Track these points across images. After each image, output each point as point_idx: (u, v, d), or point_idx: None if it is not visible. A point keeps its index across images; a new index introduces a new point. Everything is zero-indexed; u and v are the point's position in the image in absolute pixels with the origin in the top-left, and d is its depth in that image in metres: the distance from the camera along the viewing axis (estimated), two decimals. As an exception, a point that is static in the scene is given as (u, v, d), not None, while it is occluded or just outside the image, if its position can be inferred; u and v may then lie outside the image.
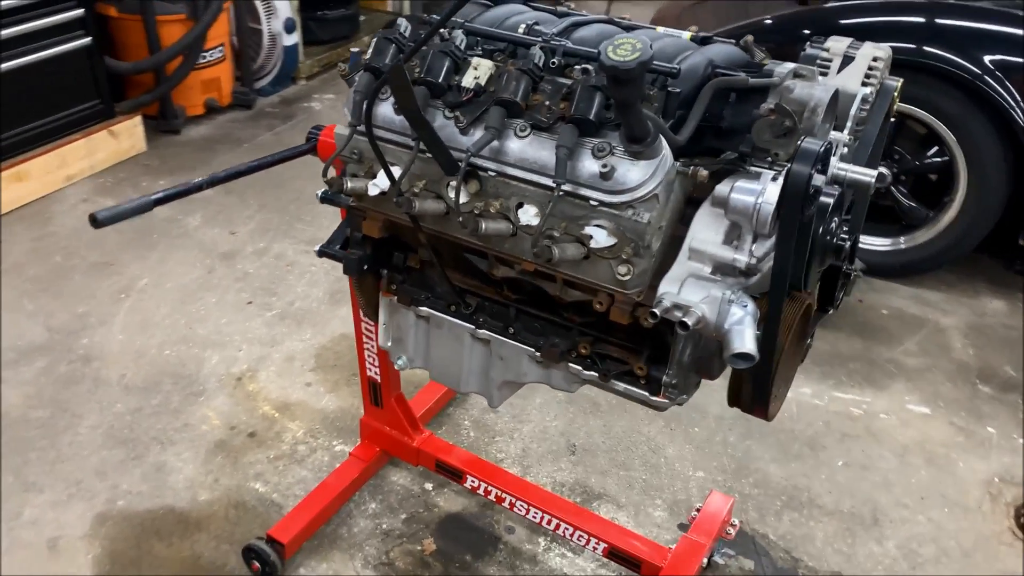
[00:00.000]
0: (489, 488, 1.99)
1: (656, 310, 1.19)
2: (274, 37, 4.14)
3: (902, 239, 3.11)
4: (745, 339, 1.17)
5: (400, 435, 2.07)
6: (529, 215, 1.27)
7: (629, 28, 1.49)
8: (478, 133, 1.26)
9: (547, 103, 1.22)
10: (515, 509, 1.97)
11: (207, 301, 2.87)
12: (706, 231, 1.23)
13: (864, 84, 1.46)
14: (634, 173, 1.17)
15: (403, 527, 2.09)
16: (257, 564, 1.91)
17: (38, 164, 3.32)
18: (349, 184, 1.38)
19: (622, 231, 1.21)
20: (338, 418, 2.39)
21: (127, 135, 3.63)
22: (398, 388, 2.04)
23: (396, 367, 1.72)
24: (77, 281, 2.94)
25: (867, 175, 1.32)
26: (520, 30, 1.37)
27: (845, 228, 1.33)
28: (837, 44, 1.50)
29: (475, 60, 1.28)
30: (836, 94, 1.28)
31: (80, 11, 3.30)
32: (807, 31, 3.16)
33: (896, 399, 2.60)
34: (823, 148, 1.12)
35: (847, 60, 1.50)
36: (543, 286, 1.40)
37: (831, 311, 1.59)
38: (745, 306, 1.20)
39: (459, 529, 2.10)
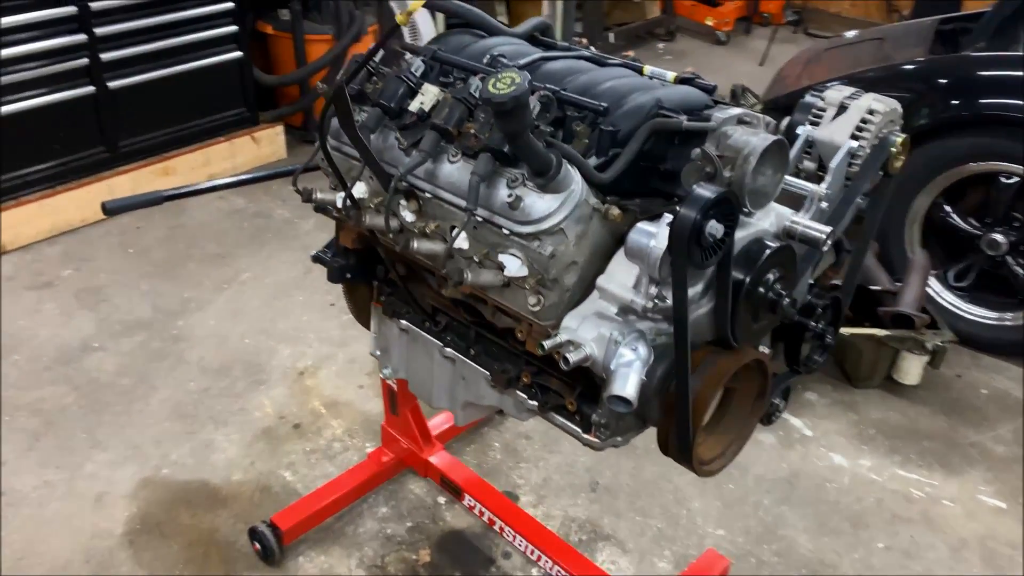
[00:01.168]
0: (483, 510, 2.02)
1: (546, 343, 1.19)
2: (417, 60, 4.36)
3: (1020, 315, 2.83)
4: (626, 383, 1.15)
5: (411, 445, 2.14)
6: (461, 238, 1.31)
7: (602, 64, 1.50)
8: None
9: (473, 132, 1.25)
10: (504, 535, 1.98)
11: (295, 299, 3.08)
12: (620, 271, 1.22)
13: (855, 137, 1.39)
14: (540, 205, 1.18)
15: (406, 535, 2.15)
16: (257, 545, 2.04)
17: (184, 161, 3.69)
18: (318, 195, 1.48)
19: (531, 262, 1.22)
20: (377, 422, 2.49)
21: (268, 142, 3.95)
22: (414, 400, 2.11)
23: (381, 375, 1.79)
24: (191, 269, 3.24)
25: (819, 231, 1.26)
26: (484, 60, 1.41)
27: (782, 283, 1.26)
28: (834, 94, 1.44)
29: (425, 86, 1.33)
30: (780, 144, 1.22)
31: (234, 28, 3.64)
32: (943, 80, 2.96)
33: (968, 487, 2.37)
34: (717, 196, 1.08)
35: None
36: (481, 310, 1.42)
37: (801, 372, 1.50)
38: (635, 349, 1.17)
39: (458, 546, 2.13)
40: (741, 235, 1.24)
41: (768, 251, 1.22)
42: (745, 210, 1.25)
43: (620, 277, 1.21)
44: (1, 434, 2.41)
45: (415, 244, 1.31)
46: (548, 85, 1.30)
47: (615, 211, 1.19)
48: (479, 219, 1.24)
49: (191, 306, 3.01)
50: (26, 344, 2.79)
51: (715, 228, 1.10)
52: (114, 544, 2.10)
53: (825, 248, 1.28)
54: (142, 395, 2.59)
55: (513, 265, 1.24)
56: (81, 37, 3.19)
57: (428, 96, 1.31)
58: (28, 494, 2.23)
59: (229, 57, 3.67)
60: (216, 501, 2.23)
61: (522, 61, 1.41)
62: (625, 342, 1.17)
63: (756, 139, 1.20)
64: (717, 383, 1.30)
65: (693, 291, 1.23)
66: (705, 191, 1.09)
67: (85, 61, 3.22)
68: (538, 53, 1.44)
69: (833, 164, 1.39)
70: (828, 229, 1.26)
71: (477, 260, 1.28)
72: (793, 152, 1.43)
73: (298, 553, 2.08)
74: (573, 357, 1.16)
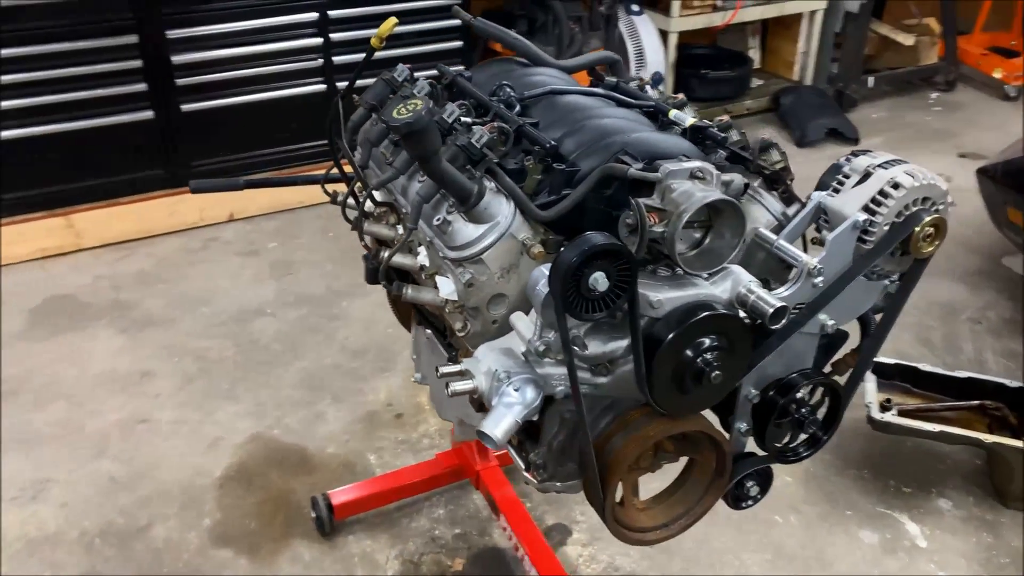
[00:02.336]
0: (511, 534, 2.02)
1: (441, 368, 1.20)
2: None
3: None
4: (497, 422, 1.13)
5: (468, 454, 2.19)
6: (423, 254, 1.35)
7: (622, 104, 1.46)
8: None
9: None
10: (523, 563, 1.97)
11: (448, 300, 3.24)
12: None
13: (868, 211, 1.24)
14: (464, 232, 1.20)
15: (450, 540, 2.20)
16: (314, 515, 2.20)
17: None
18: (340, 196, 1.59)
19: (459, 287, 1.23)
20: (470, 429, 2.57)
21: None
22: (478, 411, 2.16)
23: (413, 380, 1.86)
24: (372, 257, 3.52)
25: (769, 305, 1.15)
26: (490, 90, 1.44)
27: (719, 354, 1.16)
28: (864, 160, 1.30)
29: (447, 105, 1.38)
30: (729, 204, 1.13)
31: (459, 43, 3.89)
32: None
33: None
34: (598, 246, 1.03)
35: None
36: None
37: (780, 461, 1.35)
38: (519, 390, 1.14)
39: (493, 562, 2.15)
40: (682, 294, 1.17)
41: (698, 316, 1.14)
42: (703, 273, 1.18)
43: (532, 316, 1.19)
44: (161, 371, 2.81)
45: (384, 254, 1.37)
46: (524, 119, 1.30)
47: (536, 249, 1.18)
48: (428, 239, 1.28)
49: (357, 291, 3.27)
50: (216, 300, 3.20)
51: (598, 280, 1.05)
52: (207, 484, 2.37)
53: (774, 325, 1.16)
54: (285, 361, 2.88)
55: (446, 288, 1.26)
56: (318, 40, 3.59)
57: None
58: (162, 426, 2.58)
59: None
60: (304, 467, 2.44)
61: (528, 93, 1.41)
62: (511, 382, 1.15)
63: (697, 196, 1.12)
64: (639, 445, 1.24)
65: (617, 344, 1.18)
66: (591, 239, 1.05)
67: (320, 62, 3.63)
68: (549, 87, 1.43)
69: (830, 236, 1.25)
70: (778, 304, 1.14)
71: (425, 277, 1.32)
72: (799, 218, 1.30)
73: (349, 531, 2.21)
74: (455, 386, 1.16)
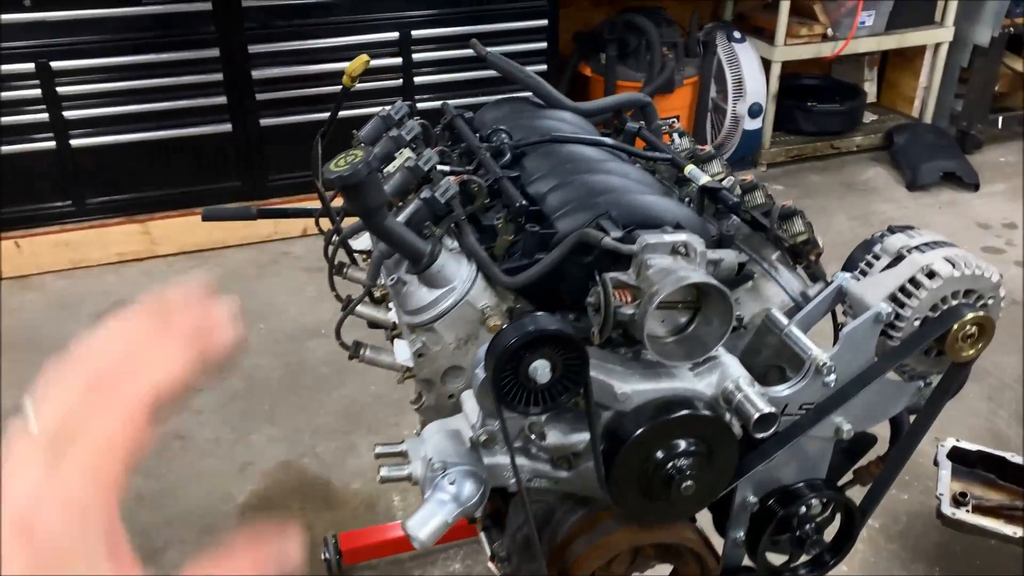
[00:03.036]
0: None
1: (377, 448, 1.07)
2: (737, 119, 4.14)
3: None
4: (421, 522, 0.99)
5: (485, 510, 2.06)
6: (393, 312, 1.24)
7: (635, 156, 1.30)
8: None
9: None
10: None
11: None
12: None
13: (895, 300, 1.05)
14: (418, 296, 1.07)
15: (461, 598, 2.08)
16: (324, 556, 2.12)
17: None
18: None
19: (412, 356, 1.11)
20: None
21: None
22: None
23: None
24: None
25: (755, 408, 0.97)
26: (485, 133, 1.31)
27: (694, 460, 0.99)
28: (898, 239, 1.11)
29: (403, 151, 1.27)
30: (715, 290, 0.96)
31: (544, 68, 3.78)
32: None
33: None
34: (540, 332, 0.88)
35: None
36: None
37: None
38: (454, 483, 1.00)
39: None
40: (655, 387, 1.01)
41: (670, 415, 0.97)
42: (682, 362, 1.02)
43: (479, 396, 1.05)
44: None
45: (361, 308, 1.27)
46: (507, 171, 1.17)
47: (493, 321, 1.04)
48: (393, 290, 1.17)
49: (414, 317, 3.20)
50: (274, 317, 3.19)
51: (538, 369, 0.90)
52: (229, 511, 2.32)
53: (759, 433, 0.98)
54: (330, 387, 2.82)
55: (402, 353, 1.14)
56: (398, 60, 3.55)
57: (399, 160, 1.26)
58: (199, 444, 2.56)
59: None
60: (326, 502, 2.36)
61: (524, 140, 1.28)
62: (447, 474, 1.01)
63: (674, 276, 0.96)
64: (601, 555, 1.08)
65: (580, 437, 1.03)
66: (534, 321, 0.90)
67: (400, 82, 3.59)
68: (549, 134, 1.29)
69: (846, 328, 1.06)
70: (766, 410, 0.96)
71: (388, 339, 1.20)
72: (816, 302, 1.12)
73: (359, 572, 2.12)
74: (385, 472, 1.03)
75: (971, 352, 1.05)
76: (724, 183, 1.31)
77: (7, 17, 3.03)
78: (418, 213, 1.09)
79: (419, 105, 3.53)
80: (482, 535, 1.28)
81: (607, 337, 1.00)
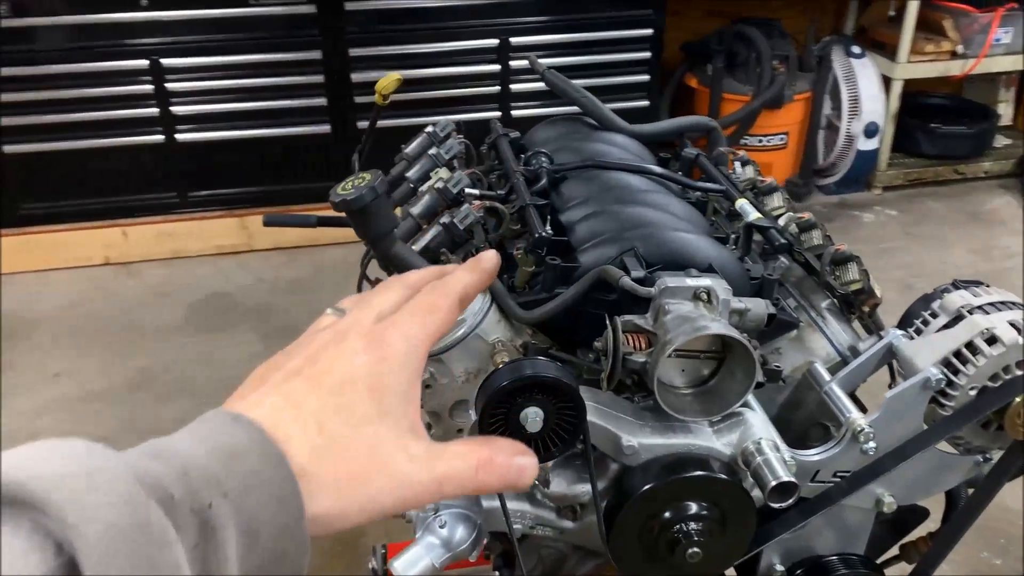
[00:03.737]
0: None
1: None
2: (851, 138, 3.91)
3: None
4: (409, 563, 0.95)
5: (534, 535, 2.00)
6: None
7: (683, 186, 1.22)
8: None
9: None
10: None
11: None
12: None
13: (949, 366, 0.94)
14: (427, 326, 1.02)
15: (505, 623, 2.02)
16: (371, 565, 2.10)
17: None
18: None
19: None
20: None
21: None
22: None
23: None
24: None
25: (773, 476, 0.89)
26: (526, 155, 1.25)
27: (695, 527, 0.90)
28: (957, 298, 0.99)
29: (439, 170, 1.23)
30: (737, 345, 0.88)
31: (647, 77, 3.68)
32: None
33: None
34: (538, 376, 0.82)
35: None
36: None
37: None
38: (443, 526, 0.96)
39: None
40: (665, 443, 0.94)
41: (676, 475, 0.90)
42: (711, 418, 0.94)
43: (485, 437, 0.99)
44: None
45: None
46: (536, 198, 1.11)
47: (501, 357, 0.98)
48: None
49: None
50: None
51: (528, 417, 0.84)
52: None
53: (775, 503, 0.89)
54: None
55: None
56: (496, 67, 3.53)
57: (432, 180, 1.22)
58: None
59: (639, 104, 3.71)
60: (383, 509, 2.35)
61: (567, 165, 1.21)
62: (439, 516, 0.96)
63: (689, 326, 0.88)
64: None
65: (585, 488, 0.97)
66: (528, 366, 0.85)
67: (497, 89, 3.57)
68: (591, 160, 1.22)
69: (891, 392, 0.95)
70: (785, 478, 0.87)
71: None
72: (862, 358, 1.01)
73: (405, 590, 2.10)
74: (378, 506, 0.99)
75: (1033, 431, 0.93)
76: (781, 220, 1.22)
77: (125, 16, 3.18)
78: (437, 238, 1.05)
79: (515, 113, 3.53)
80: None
81: (619, 383, 0.94)
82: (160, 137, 3.38)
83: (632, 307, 0.96)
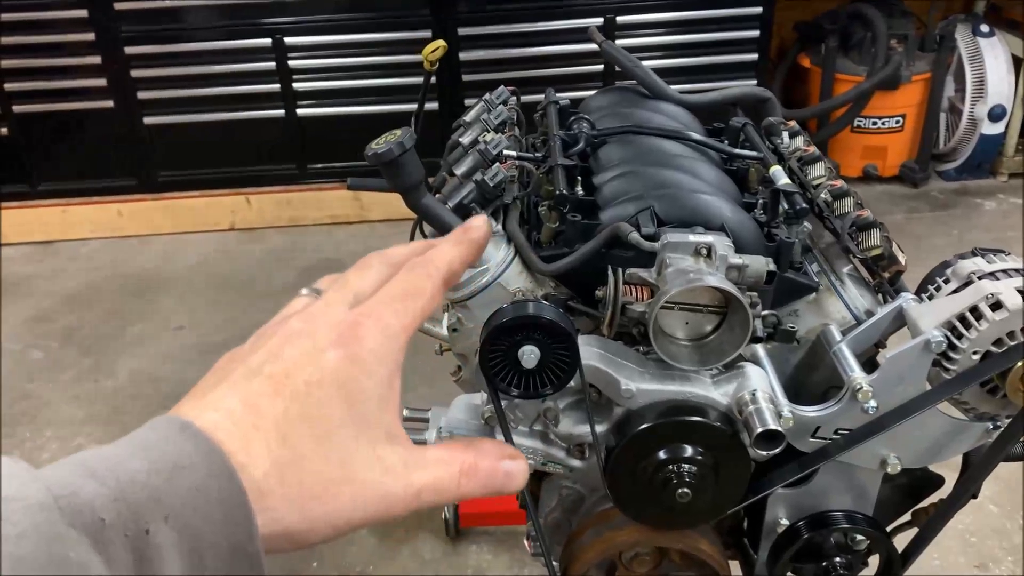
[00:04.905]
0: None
1: (406, 411, 1.12)
2: (974, 122, 3.73)
3: None
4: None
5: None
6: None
7: (722, 153, 1.25)
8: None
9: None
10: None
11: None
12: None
13: (952, 330, 0.96)
14: (456, 274, 1.11)
15: (567, 579, 2.10)
16: (444, 515, 2.23)
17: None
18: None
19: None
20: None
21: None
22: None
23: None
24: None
25: (762, 424, 0.93)
26: (569, 120, 1.30)
27: (687, 471, 0.95)
28: (969, 264, 1.01)
29: (488, 133, 1.30)
30: (728, 294, 0.92)
31: (755, 56, 3.63)
32: None
33: None
34: (532, 315, 0.89)
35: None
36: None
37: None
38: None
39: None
40: (662, 389, 0.99)
41: (666, 419, 0.95)
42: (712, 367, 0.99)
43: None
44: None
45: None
46: (564, 160, 1.17)
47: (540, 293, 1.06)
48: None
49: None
50: (455, 287, 3.34)
51: (526, 355, 0.92)
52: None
53: (761, 449, 0.93)
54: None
55: (443, 324, 1.19)
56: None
57: (476, 134, 1.29)
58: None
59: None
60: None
61: (605, 130, 1.27)
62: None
63: (685, 277, 0.93)
64: (602, 549, 1.08)
65: (588, 428, 1.04)
66: (527, 306, 0.92)
67: (601, 68, 3.61)
68: (630, 126, 1.27)
69: (891, 353, 0.97)
70: (772, 426, 0.91)
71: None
72: (872, 320, 1.03)
73: (475, 540, 2.21)
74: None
75: (1037, 398, 0.93)
76: (819, 188, 1.24)
77: (251, -3, 3.42)
78: (469, 195, 1.14)
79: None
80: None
81: (624, 333, 1.00)
82: (281, 112, 3.61)
83: (645, 264, 1.01)
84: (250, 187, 3.75)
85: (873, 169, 3.86)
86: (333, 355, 0.47)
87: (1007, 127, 3.76)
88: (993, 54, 3.66)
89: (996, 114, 3.69)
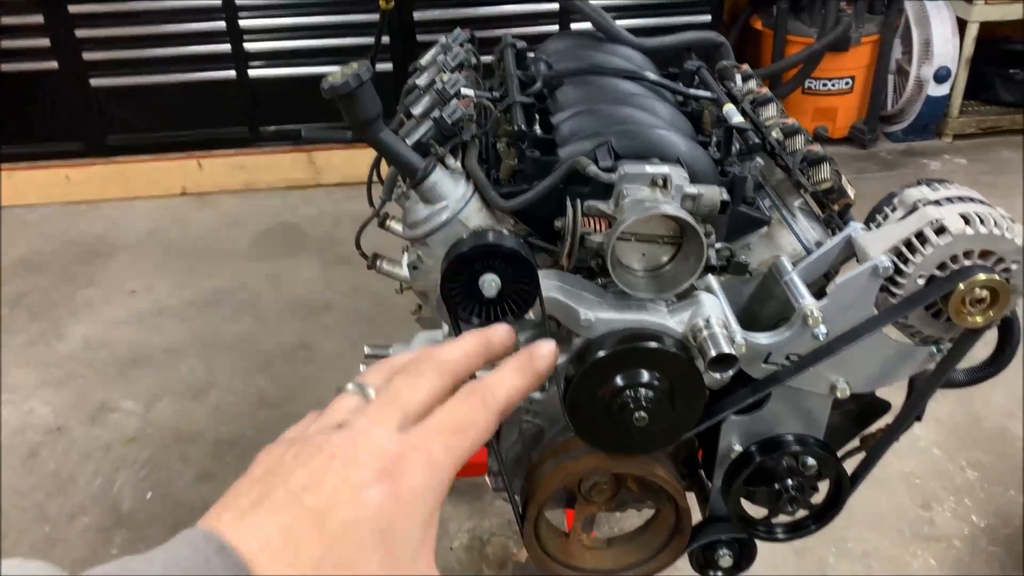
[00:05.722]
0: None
1: (367, 348, 1.14)
2: (921, 83, 3.81)
3: None
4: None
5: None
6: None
7: (677, 94, 1.27)
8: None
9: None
10: None
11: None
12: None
13: (899, 255, 0.99)
14: (415, 211, 1.12)
15: (527, 529, 2.14)
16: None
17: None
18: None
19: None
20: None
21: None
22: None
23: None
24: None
25: (715, 346, 0.96)
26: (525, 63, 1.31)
27: (643, 395, 0.98)
28: (916, 192, 1.04)
29: (442, 75, 1.31)
30: (683, 222, 0.94)
31: (708, 18, 3.65)
32: None
33: None
34: (493, 244, 0.91)
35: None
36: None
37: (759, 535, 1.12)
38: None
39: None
40: (620, 318, 1.01)
41: (624, 346, 0.97)
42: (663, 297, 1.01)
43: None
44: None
45: (390, 223, 1.34)
46: (521, 98, 1.18)
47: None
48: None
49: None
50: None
51: (487, 283, 0.93)
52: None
53: (715, 372, 0.96)
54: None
55: (404, 264, 1.20)
56: (554, 6, 3.56)
57: (430, 74, 1.29)
58: (321, 356, 2.76)
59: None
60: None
61: (563, 70, 1.28)
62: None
63: (640, 207, 0.95)
64: (562, 477, 1.10)
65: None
66: (488, 236, 0.93)
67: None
68: (587, 66, 1.29)
69: (839, 279, 1.00)
70: (727, 350, 0.94)
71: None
72: (822, 251, 1.06)
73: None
74: (364, 368, 1.10)
75: (979, 319, 0.97)
76: (770, 127, 1.27)
77: (201, -46, 3.34)
78: (427, 133, 1.14)
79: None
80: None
81: (583, 268, 1.02)
82: (232, 73, 3.55)
83: (605, 198, 1.03)
84: (202, 151, 3.69)
85: (823, 131, 3.92)
86: (376, 493, 0.45)
87: (952, 89, 3.85)
88: (939, 17, 3.73)
89: (941, 76, 3.77)
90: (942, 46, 3.73)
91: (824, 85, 3.79)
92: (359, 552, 0.44)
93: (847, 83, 3.81)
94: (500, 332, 0.59)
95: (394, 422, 0.49)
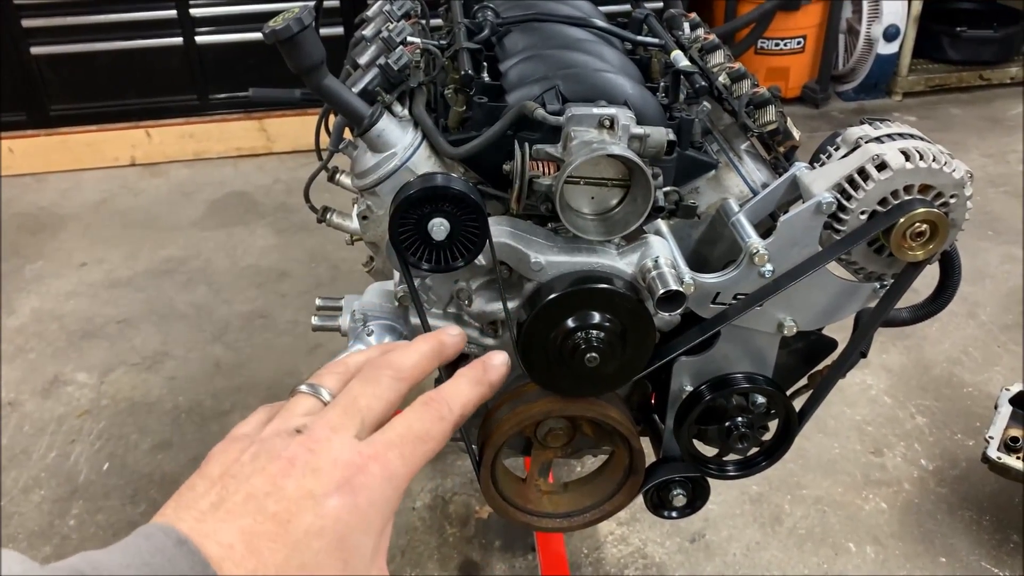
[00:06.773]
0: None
1: (319, 301, 1.13)
2: (870, 42, 3.85)
3: None
4: (339, 365, 1.04)
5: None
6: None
7: (625, 40, 1.27)
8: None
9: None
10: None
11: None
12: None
13: (842, 192, 1.00)
14: (363, 160, 1.11)
15: (489, 486, 2.15)
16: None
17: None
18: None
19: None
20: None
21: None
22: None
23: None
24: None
25: (663, 284, 0.96)
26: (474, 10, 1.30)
27: (595, 336, 0.99)
28: (858, 130, 1.05)
29: (391, 23, 1.29)
30: (632, 165, 0.95)
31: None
32: None
33: None
34: (441, 186, 0.90)
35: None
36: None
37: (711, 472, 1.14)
38: (371, 334, 1.05)
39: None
40: (570, 260, 1.02)
41: (577, 286, 0.98)
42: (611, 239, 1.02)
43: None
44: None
45: (339, 177, 1.33)
46: (470, 44, 1.17)
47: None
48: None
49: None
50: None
51: (435, 227, 0.93)
52: (291, 384, 2.48)
53: (664, 311, 0.97)
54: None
55: (353, 214, 1.19)
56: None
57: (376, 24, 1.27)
58: (278, 324, 2.74)
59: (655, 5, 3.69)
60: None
61: (510, 18, 1.27)
62: (368, 327, 1.06)
63: (587, 148, 0.95)
64: (517, 421, 1.10)
65: (500, 306, 1.06)
66: (436, 178, 0.93)
67: None
68: (534, 13, 1.28)
69: (784, 217, 1.01)
70: (673, 287, 0.95)
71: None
72: (767, 191, 1.07)
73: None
74: (316, 321, 1.10)
75: (920, 253, 0.99)
76: (718, 72, 1.27)
77: (141, -84, 3.24)
78: (374, 80, 1.13)
79: None
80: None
81: (533, 214, 1.02)
82: (179, 40, 3.47)
83: (553, 143, 1.03)
84: (150, 120, 3.61)
85: (776, 91, 3.94)
86: (336, 503, 0.47)
87: (901, 47, 3.90)
88: (888, -25, 3.77)
89: (890, 34, 3.82)
90: (891, 4, 3.78)
91: (776, 45, 3.82)
92: (319, 559, 0.45)
93: (799, 43, 3.84)
94: (452, 335, 0.60)
95: (352, 430, 0.50)
